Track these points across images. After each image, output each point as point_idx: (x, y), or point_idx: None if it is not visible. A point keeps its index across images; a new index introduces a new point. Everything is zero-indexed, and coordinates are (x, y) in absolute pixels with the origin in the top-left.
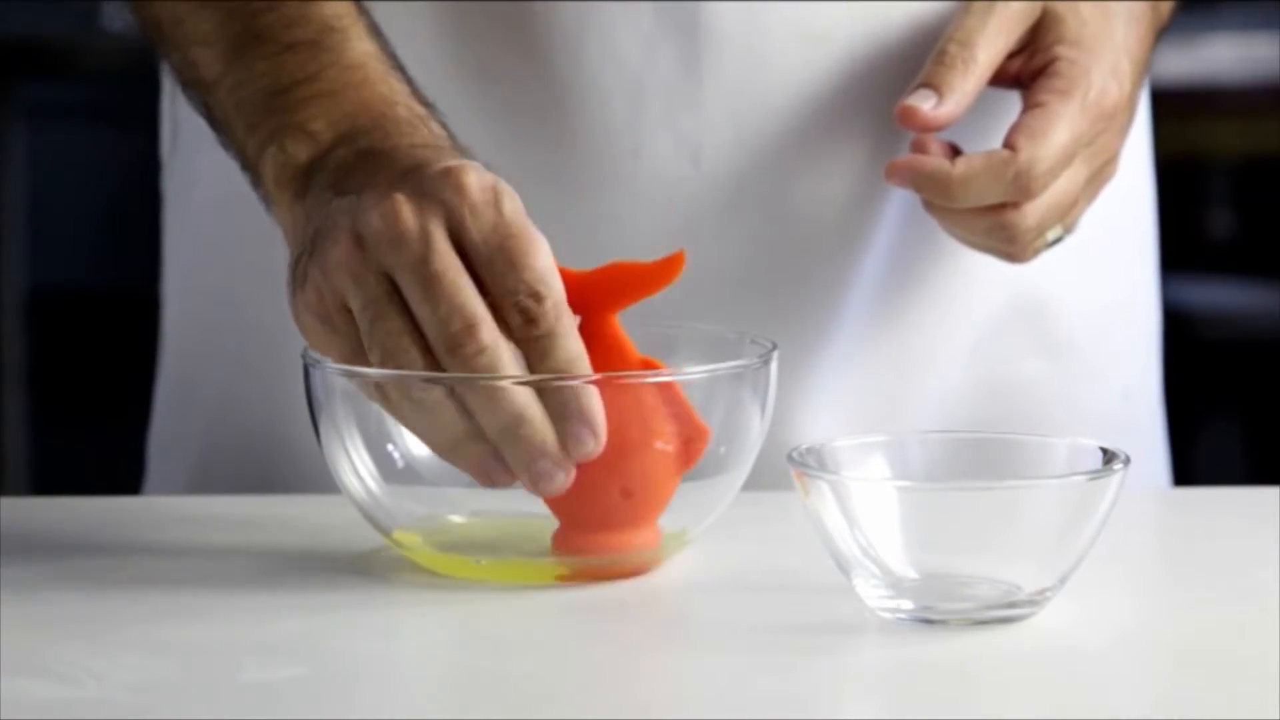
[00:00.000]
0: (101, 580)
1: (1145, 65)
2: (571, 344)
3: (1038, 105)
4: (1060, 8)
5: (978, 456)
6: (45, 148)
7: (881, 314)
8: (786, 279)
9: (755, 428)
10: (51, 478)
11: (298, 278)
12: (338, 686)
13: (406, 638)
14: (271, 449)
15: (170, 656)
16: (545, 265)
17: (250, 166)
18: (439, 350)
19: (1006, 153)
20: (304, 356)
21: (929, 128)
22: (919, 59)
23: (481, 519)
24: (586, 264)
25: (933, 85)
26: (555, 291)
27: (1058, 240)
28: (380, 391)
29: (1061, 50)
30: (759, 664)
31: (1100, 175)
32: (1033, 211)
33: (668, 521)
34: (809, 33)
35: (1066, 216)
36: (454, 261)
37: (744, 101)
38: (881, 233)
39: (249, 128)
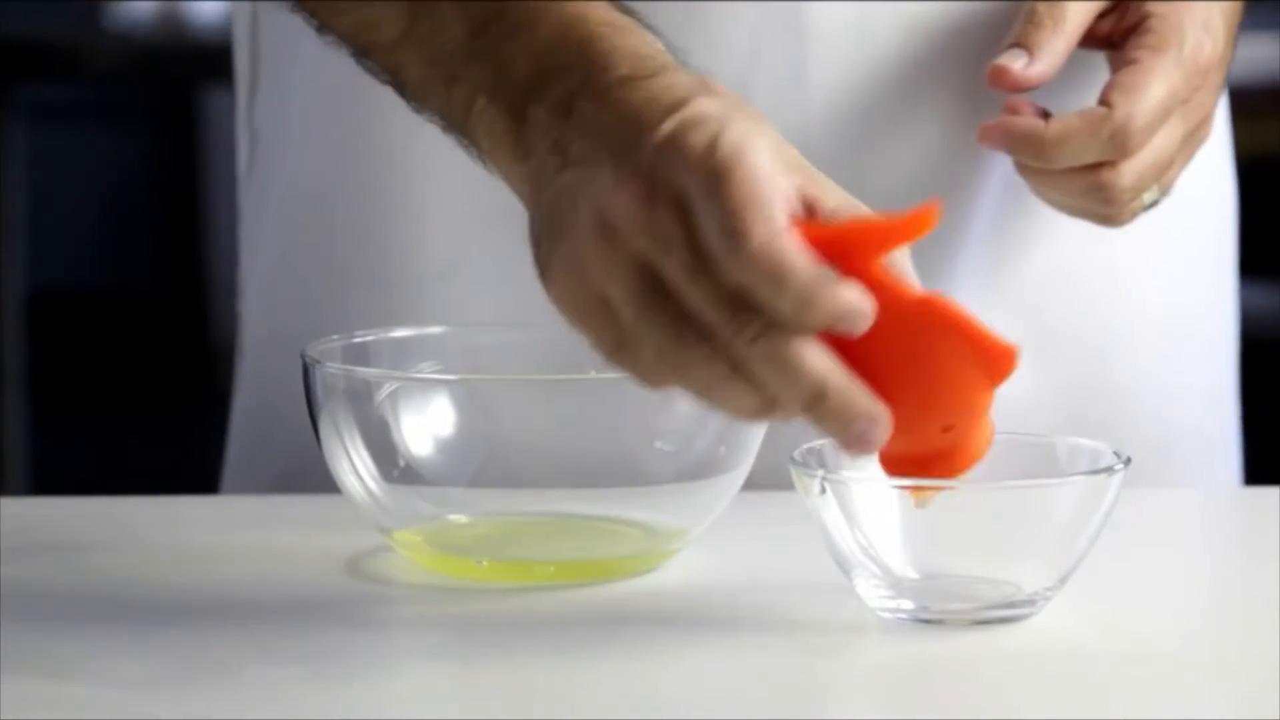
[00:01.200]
0: (101, 580)
1: (1236, 22)
2: (810, 273)
3: (1132, 61)
4: None
5: None
6: (45, 148)
7: (979, 297)
8: None
9: (755, 428)
10: (51, 478)
11: (542, 265)
12: (338, 686)
13: (406, 638)
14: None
15: (170, 656)
16: (774, 230)
17: (457, 126)
18: (723, 338)
19: (1103, 110)
20: (303, 356)
21: (1019, 87)
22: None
23: (483, 519)
24: None
25: (1023, 45)
26: (786, 247)
27: (1154, 204)
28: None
29: (1153, 7)
30: (759, 664)
31: (1196, 135)
32: (1130, 170)
33: (668, 520)
34: (914, 24)
35: (1163, 177)
36: (710, 245)
37: (849, 97)
38: (979, 223)
39: (447, 81)
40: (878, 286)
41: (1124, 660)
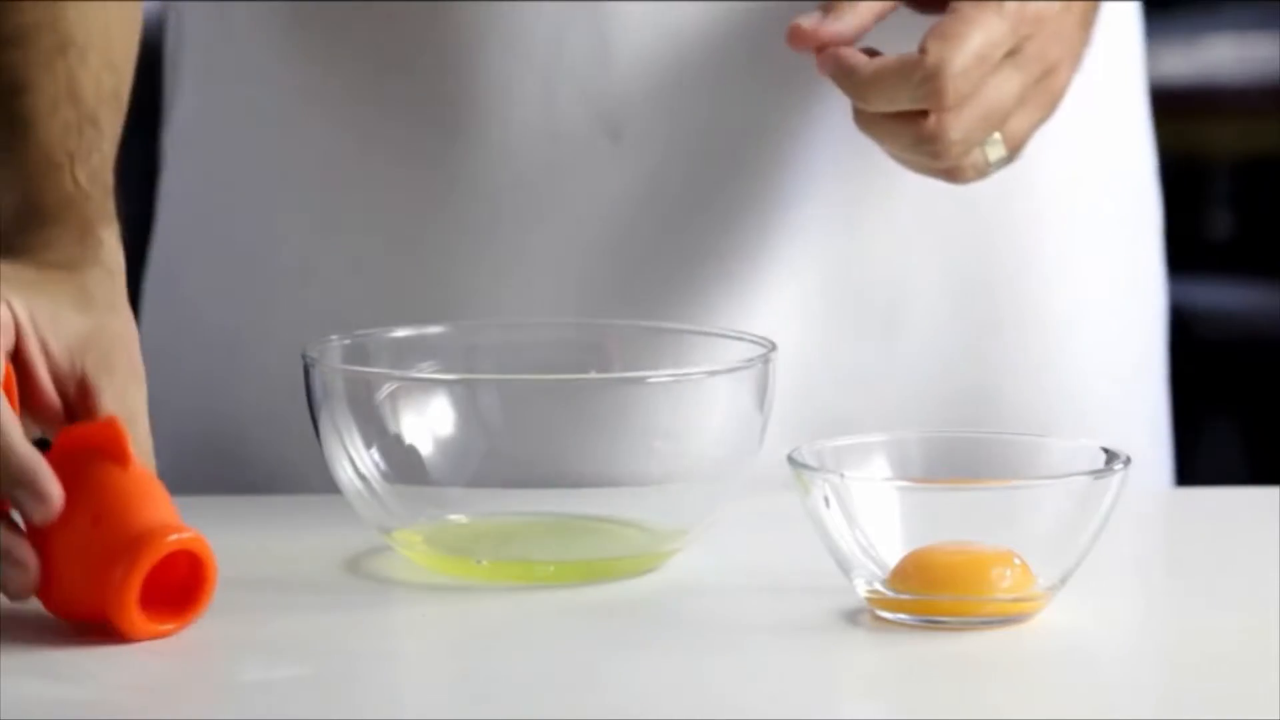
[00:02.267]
0: None
1: None
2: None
3: (952, 11)
4: None
5: (978, 456)
6: None
7: (824, 278)
8: (713, 245)
9: (755, 428)
10: None
11: None
12: (338, 686)
13: (406, 637)
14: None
15: (170, 656)
16: None
17: None
18: None
19: (916, 55)
20: (304, 356)
21: (816, 41)
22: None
23: (482, 519)
24: (509, 245)
25: (824, 5)
26: None
27: (1002, 162)
28: None
29: None
30: (759, 664)
31: (1043, 87)
32: (956, 123)
33: (667, 520)
34: (714, 6)
35: (1006, 128)
36: None
37: (655, 82)
38: (813, 187)
39: None
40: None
41: (1124, 660)
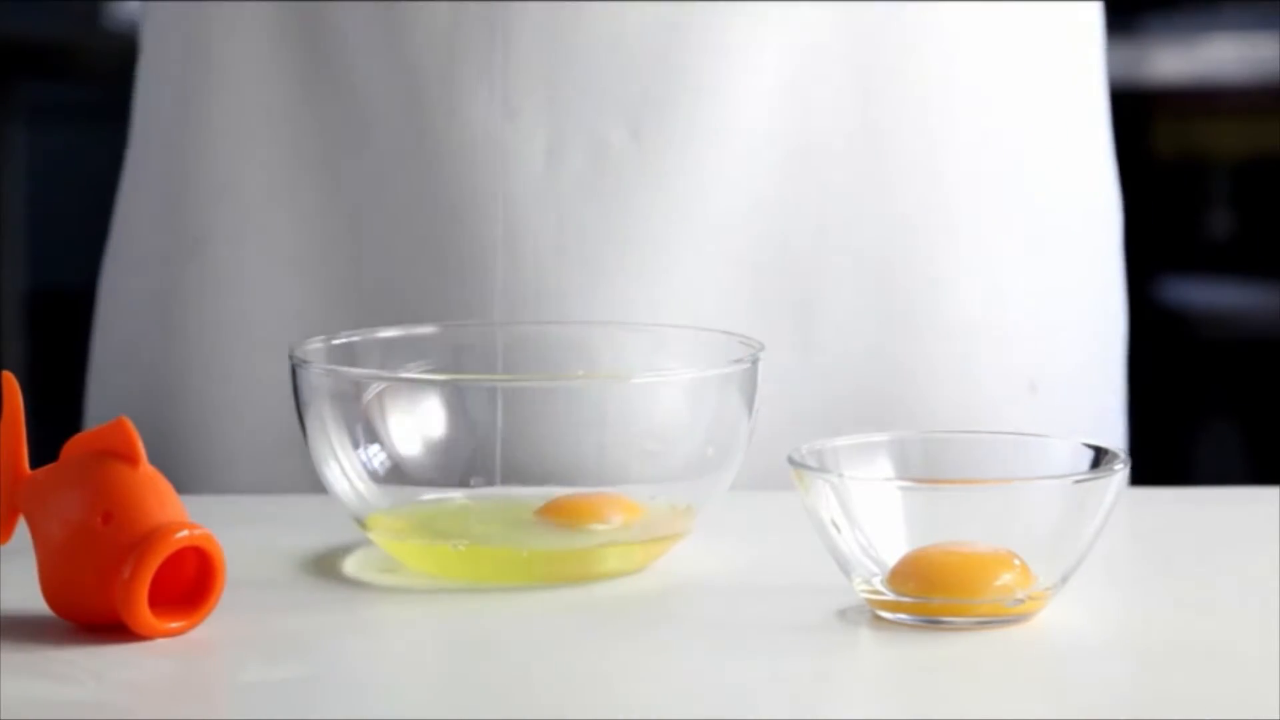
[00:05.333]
0: None
1: None
2: None
3: None
4: None
5: (977, 456)
6: (45, 148)
7: (741, 276)
8: (624, 240)
9: (743, 428)
10: None
11: None
12: (337, 686)
13: (405, 638)
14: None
15: (170, 656)
16: None
17: None
18: None
19: None
20: (291, 357)
21: None
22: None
23: (462, 511)
24: (420, 233)
25: None
26: None
27: None
28: None
29: None
30: (759, 664)
31: None
32: None
33: (655, 521)
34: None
35: None
36: None
37: (548, 83)
38: (727, 184)
39: None
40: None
41: (1123, 660)
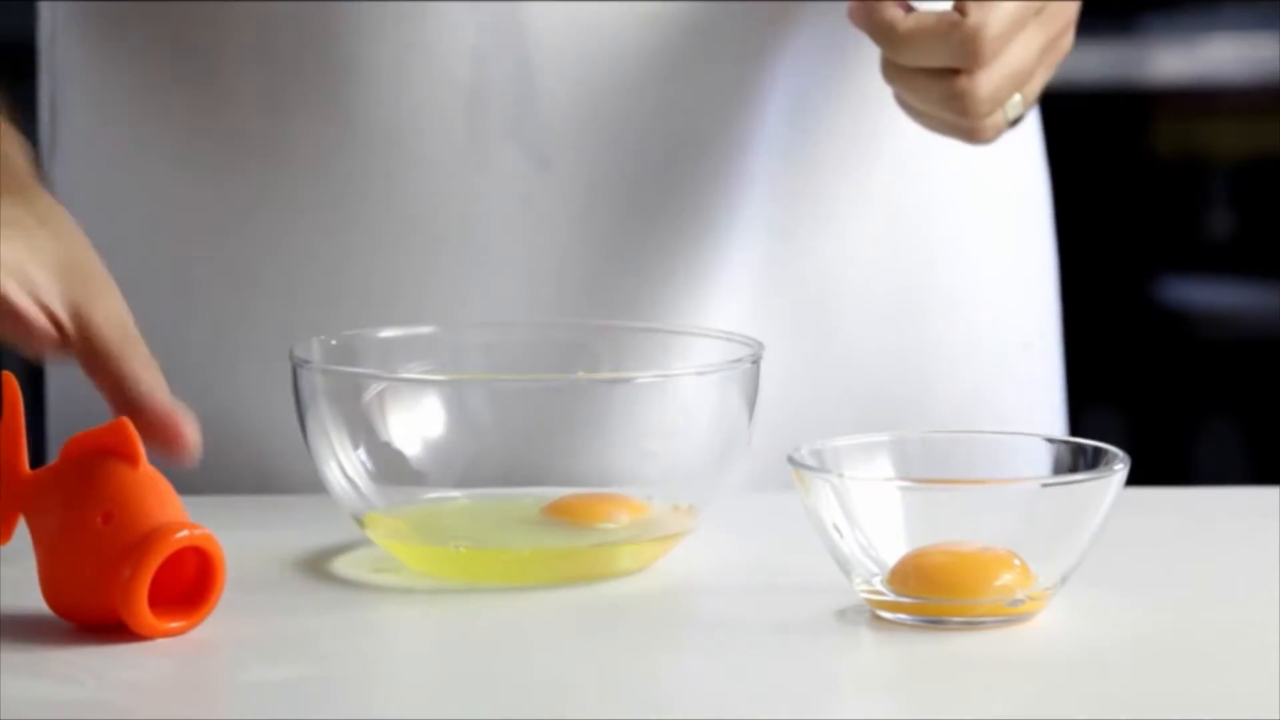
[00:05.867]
0: None
1: None
2: None
3: None
4: None
5: (977, 455)
6: None
7: (763, 282)
8: (651, 262)
9: (743, 428)
10: None
11: None
12: (337, 686)
13: (406, 638)
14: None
15: (170, 656)
16: None
17: None
18: None
19: (955, 15)
20: (291, 357)
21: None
22: (757, 22)
23: (463, 511)
24: (447, 279)
25: None
26: None
27: (1018, 120)
28: None
29: None
30: (759, 664)
31: (1056, 45)
32: (986, 80)
33: (656, 520)
34: (640, 14)
35: (1024, 89)
36: None
37: (583, 95)
38: (750, 198)
39: None
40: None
41: (1124, 660)
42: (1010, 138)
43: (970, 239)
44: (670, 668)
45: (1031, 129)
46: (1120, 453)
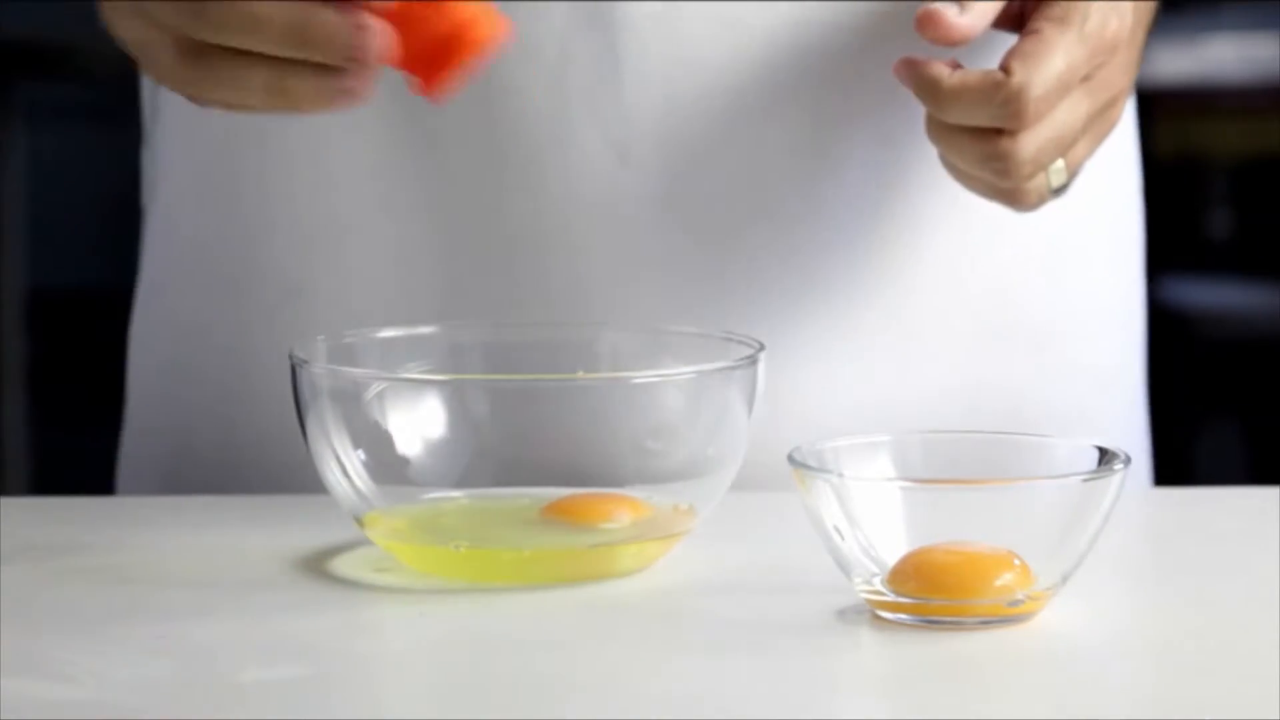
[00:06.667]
0: (101, 580)
1: (1148, 9)
2: None
3: (1034, 32)
4: None
5: (978, 456)
6: (45, 148)
7: (827, 303)
8: (721, 268)
9: (743, 428)
10: (51, 478)
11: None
12: (337, 686)
13: (406, 638)
14: (243, 458)
15: (170, 656)
16: None
17: None
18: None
19: (1000, 74)
20: (291, 357)
21: (948, 37)
22: (840, 42)
23: (463, 511)
24: (520, 261)
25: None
26: None
27: (1062, 188)
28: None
29: None
30: (759, 664)
31: (1105, 115)
32: (1029, 142)
33: (655, 520)
34: (727, 19)
35: (1068, 155)
36: None
37: (668, 93)
38: (821, 219)
39: None
40: None
41: (1124, 660)
42: (1107, 184)
43: (1062, 274)
44: (670, 668)
45: (1130, 169)
46: (1121, 452)
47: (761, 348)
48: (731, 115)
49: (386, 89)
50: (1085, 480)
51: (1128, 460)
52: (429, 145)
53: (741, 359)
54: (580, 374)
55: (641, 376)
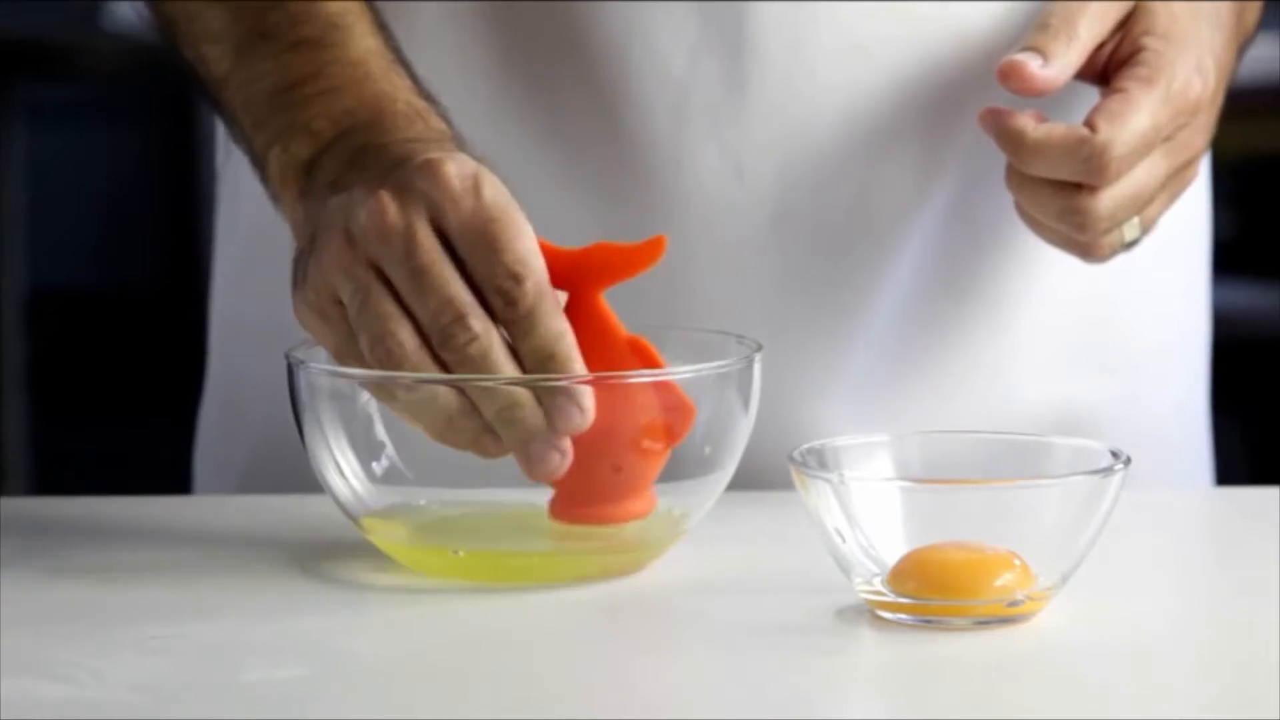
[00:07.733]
0: (102, 580)
1: (1228, 70)
2: (553, 322)
3: (1120, 90)
4: (1152, 4)
5: (979, 456)
6: (45, 148)
7: (925, 325)
8: (828, 291)
9: (740, 428)
10: (51, 478)
11: (298, 276)
12: (337, 686)
13: (406, 638)
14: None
15: (170, 656)
16: (524, 248)
17: (258, 163)
18: (435, 343)
19: (1085, 130)
20: (288, 356)
21: (1030, 88)
22: (962, 74)
23: (462, 513)
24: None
25: (1037, 49)
26: (535, 272)
27: (1134, 243)
28: (373, 383)
29: (1149, 41)
30: (759, 664)
31: (1181, 175)
32: (1108, 198)
33: (656, 524)
34: (853, 46)
35: (1144, 212)
36: (438, 253)
37: (788, 116)
38: (925, 246)
39: (255, 125)
40: (593, 316)
41: (1124, 660)
42: (1186, 227)
43: (1140, 306)
44: (670, 668)
45: (1203, 214)
46: (1121, 452)
47: (759, 347)
48: (846, 144)
49: (502, 89)
50: (1086, 480)
51: (1128, 460)
52: (546, 150)
53: (739, 359)
54: (580, 374)
55: (641, 376)
